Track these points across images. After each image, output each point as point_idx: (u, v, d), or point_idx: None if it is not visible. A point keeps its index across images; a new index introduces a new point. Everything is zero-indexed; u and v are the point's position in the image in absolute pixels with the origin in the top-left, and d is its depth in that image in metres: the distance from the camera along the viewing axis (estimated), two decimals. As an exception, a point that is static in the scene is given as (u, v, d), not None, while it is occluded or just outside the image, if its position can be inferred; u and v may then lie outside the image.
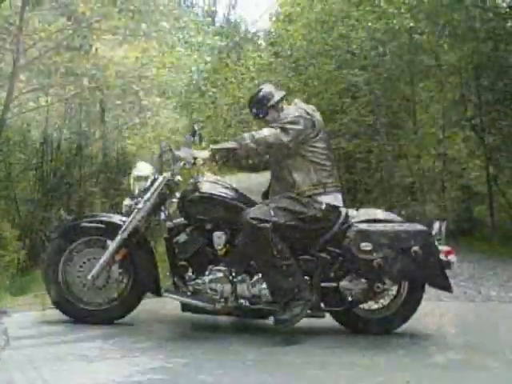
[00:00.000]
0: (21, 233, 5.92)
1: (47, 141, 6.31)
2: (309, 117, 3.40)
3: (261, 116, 3.55)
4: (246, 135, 3.27)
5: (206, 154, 3.28)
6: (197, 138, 3.48)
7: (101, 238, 3.51)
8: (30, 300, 4.42)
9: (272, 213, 3.23)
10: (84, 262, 3.50)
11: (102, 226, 3.53)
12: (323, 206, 3.32)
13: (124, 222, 3.47)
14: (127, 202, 3.55)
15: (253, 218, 3.19)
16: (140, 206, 3.41)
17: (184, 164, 3.35)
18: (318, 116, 3.51)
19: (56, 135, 6.50)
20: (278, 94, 3.54)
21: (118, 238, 3.41)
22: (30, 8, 4.88)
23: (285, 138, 3.26)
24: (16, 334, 3.29)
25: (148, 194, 3.43)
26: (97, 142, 7.01)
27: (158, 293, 3.52)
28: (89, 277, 3.42)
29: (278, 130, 3.27)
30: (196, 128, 3.55)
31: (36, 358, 2.85)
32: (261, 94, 3.56)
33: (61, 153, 6.53)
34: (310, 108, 3.54)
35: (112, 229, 3.47)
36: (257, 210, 3.27)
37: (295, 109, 3.44)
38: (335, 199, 3.40)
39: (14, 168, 6.21)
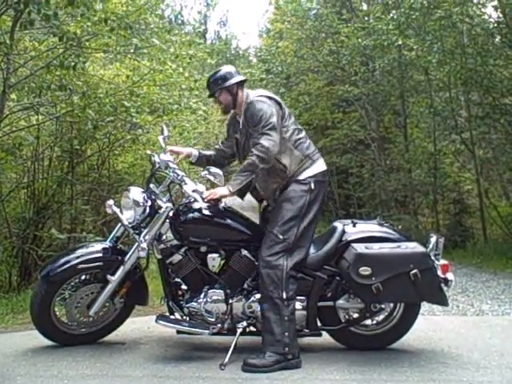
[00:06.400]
0: (12, 252, 5.89)
1: (38, 159, 6.29)
2: (273, 100, 3.38)
3: (215, 95, 3.48)
4: (254, 159, 3.18)
5: (224, 191, 3.22)
6: (167, 136, 3.58)
7: (98, 272, 3.43)
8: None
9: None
10: (81, 298, 3.40)
11: (100, 263, 3.40)
12: None
13: (118, 250, 3.45)
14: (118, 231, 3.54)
15: (269, 255, 3.19)
16: (142, 237, 3.29)
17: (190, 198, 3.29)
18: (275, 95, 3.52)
19: (47, 153, 6.49)
20: (235, 78, 3.45)
21: (120, 271, 3.33)
22: (21, 28, 4.87)
23: (277, 136, 3.23)
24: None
25: (149, 226, 3.33)
26: (88, 160, 7.00)
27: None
28: (91, 313, 3.36)
29: (271, 135, 3.20)
30: (165, 127, 3.62)
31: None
32: (219, 73, 3.47)
33: (52, 171, 6.51)
34: (264, 91, 3.52)
35: (109, 264, 3.39)
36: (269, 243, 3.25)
37: (257, 99, 3.35)
38: (321, 165, 3.43)
39: (4, 187, 6.17)
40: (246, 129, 3.40)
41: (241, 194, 3.45)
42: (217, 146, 3.83)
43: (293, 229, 3.25)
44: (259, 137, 3.21)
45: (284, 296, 3.14)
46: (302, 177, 3.34)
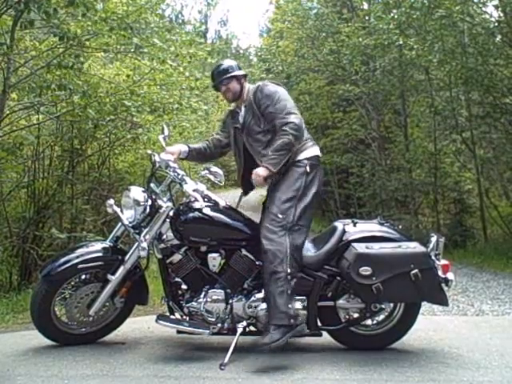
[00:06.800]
0: (12, 251, 5.90)
1: (39, 158, 6.29)
2: (281, 86, 3.53)
3: (224, 83, 3.51)
4: (290, 138, 3.24)
5: (266, 172, 3.25)
6: (167, 136, 3.62)
7: (98, 271, 3.41)
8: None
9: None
10: (82, 298, 3.39)
11: (100, 263, 3.39)
12: None
13: (118, 249, 3.44)
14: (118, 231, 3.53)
15: (271, 233, 3.22)
16: (142, 237, 3.28)
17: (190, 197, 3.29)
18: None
19: (48, 153, 6.50)
20: (241, 70, 3.60)
21: (121, 271, 3.31)
22: (21, 27, 4.87)
23: (300, 115, 3.38)
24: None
25: (150, 226, 3.32)
26: (89, 159, 7.01)
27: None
28: (91, 312, 3.36)
29: (296, 113, 3.34)
30: (165, 127, 3.66)
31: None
32: (225, 64, 3.58)
33: (53, 170, 6.52)
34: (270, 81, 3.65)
35: (109, 263, 3.38)
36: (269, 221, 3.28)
37: (267, 83, 3.51)
38: (317, 150, 3.50)
39: (5, 186, 6.17)
40: (252, 111, 3.44)
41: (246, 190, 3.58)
42: (211, 137, 3.86)
43: (291, 209, 3.28)
44: (287, 116, 3.30)
45: (288, 271, 3.17)
46: (299, 157, 3.38)
